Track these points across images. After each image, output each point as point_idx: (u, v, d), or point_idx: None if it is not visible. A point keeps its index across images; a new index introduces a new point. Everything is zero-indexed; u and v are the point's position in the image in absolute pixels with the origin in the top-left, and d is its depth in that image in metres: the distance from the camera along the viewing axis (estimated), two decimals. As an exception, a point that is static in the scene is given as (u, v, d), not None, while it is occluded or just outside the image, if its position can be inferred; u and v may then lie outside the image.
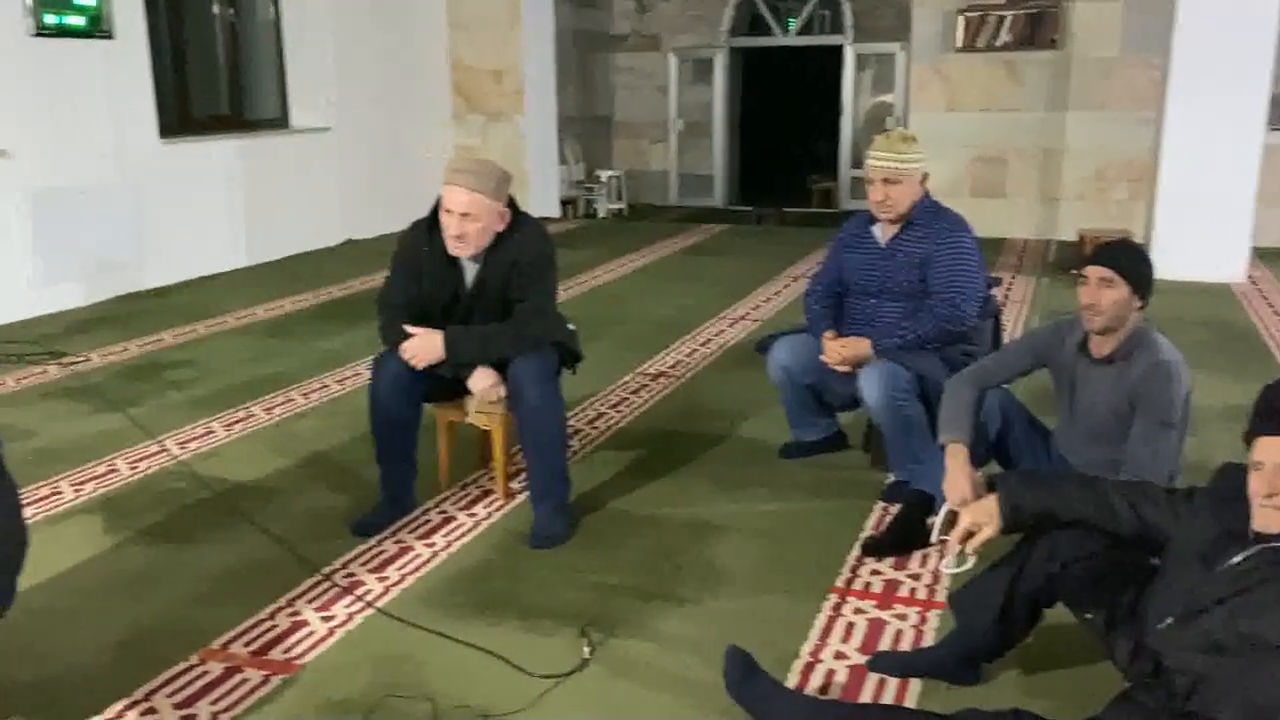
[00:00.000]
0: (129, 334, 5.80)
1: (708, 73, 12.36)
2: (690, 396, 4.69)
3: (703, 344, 5.59)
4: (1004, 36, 9.04)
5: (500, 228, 3.16)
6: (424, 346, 3.17)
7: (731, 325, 6.03)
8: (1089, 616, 2.19)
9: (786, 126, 14.34)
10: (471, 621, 2.72)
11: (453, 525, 3.33)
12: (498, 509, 3.45)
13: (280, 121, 8.40)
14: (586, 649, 2.57)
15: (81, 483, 3.68)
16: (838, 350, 3.41)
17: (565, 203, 10.99)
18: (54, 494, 3.57)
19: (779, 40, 12.32)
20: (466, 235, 3.10)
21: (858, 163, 11.82)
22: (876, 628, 2.71)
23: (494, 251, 3.19)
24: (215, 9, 7.89)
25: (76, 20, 6.39)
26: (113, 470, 3.81)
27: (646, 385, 4.84)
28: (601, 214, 11.27)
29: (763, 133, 13.77)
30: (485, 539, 3.24)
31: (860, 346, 3.38)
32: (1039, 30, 8.95)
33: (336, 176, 8.67)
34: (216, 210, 7.55)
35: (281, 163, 8.13)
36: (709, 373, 5.07)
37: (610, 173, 11.61)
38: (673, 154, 12.61)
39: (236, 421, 4.35)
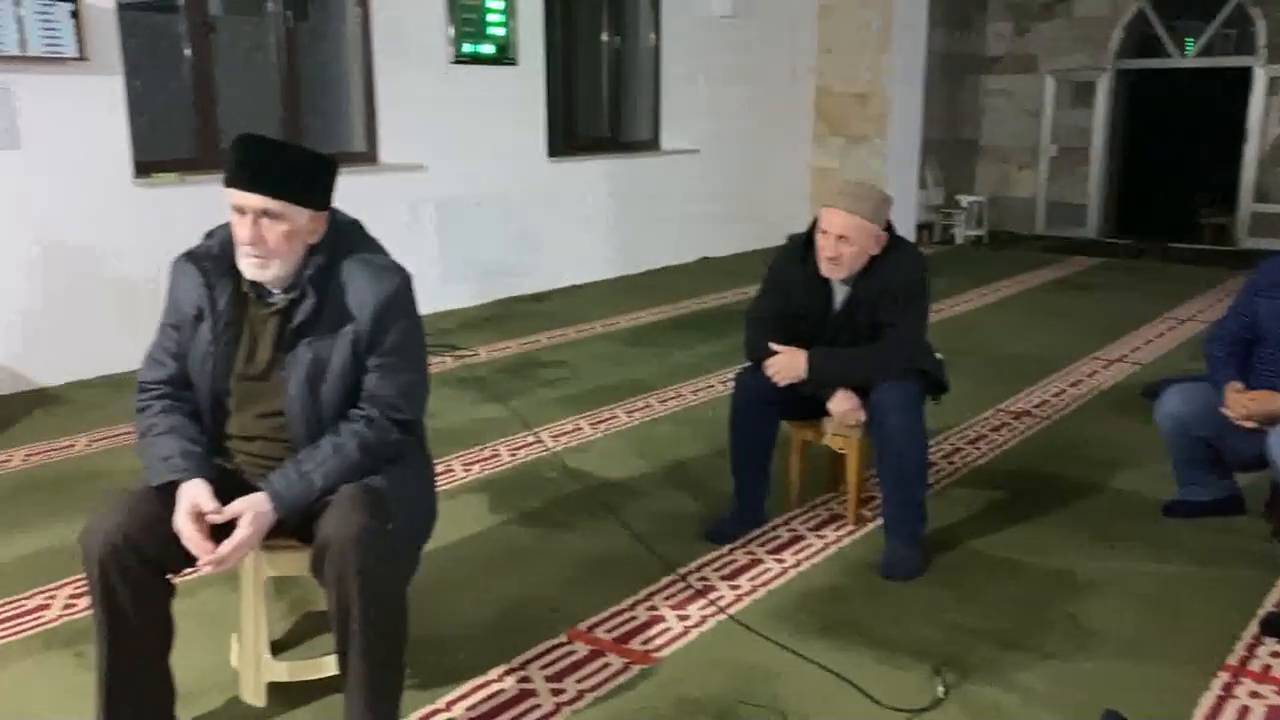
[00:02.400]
0: (510, 333, 6.36)
1: (1088, 96, 11.56)
2: (1058, 439, 4.40)
3: (1072, 384, 5.23)
4: None
5: (875, 251, 3.14)
6: (787, 364, 3.21)
7: (1106, 367, 5.59)
8: None
9: (1175, 155, 13.08)
10: (821, 642, 2.72)
11: (802, 544, 3.34)
12: (847, 534, 3.42)
13: (652, 144, 8.87)
14: (941, 688, 2.49)
15: (470, 464, 4.08)
16: (1244, 404, 3.06)
17: (921, 227, 10.72)
18: (447, 472, 3.97)
19: (1174, 62, 11.29)
20: (841, 257, 3.11)
21: (1261, 196, 10.58)
22: (1277, 717, 2.40)
23: (867, 275, 3.17)
24: (604, 36, 8.48)
25: (488, 49, 7.12)
26: (495, 455, 4.19)
27: (1008, 423, 4.60)
28: (959, 240, 10.88)
29: (1147, 161, 12.66)
30: (835, 562, 3.22)
31: (1273, 402, 3.01)
32: None
33: (698, 197, 9.01)
34: (590, 225, 8.10)
35: (650, 183, 8.57)
36: (1080, 415, 4.74)
37: (972, 198, 11.19)
38: (1042, 180, 11.92)
39: (601, 421, 4.64)
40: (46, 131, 4.98)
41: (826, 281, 3.22)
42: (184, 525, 2.07)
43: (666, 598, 2.97)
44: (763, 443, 3.37)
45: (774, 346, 3.24)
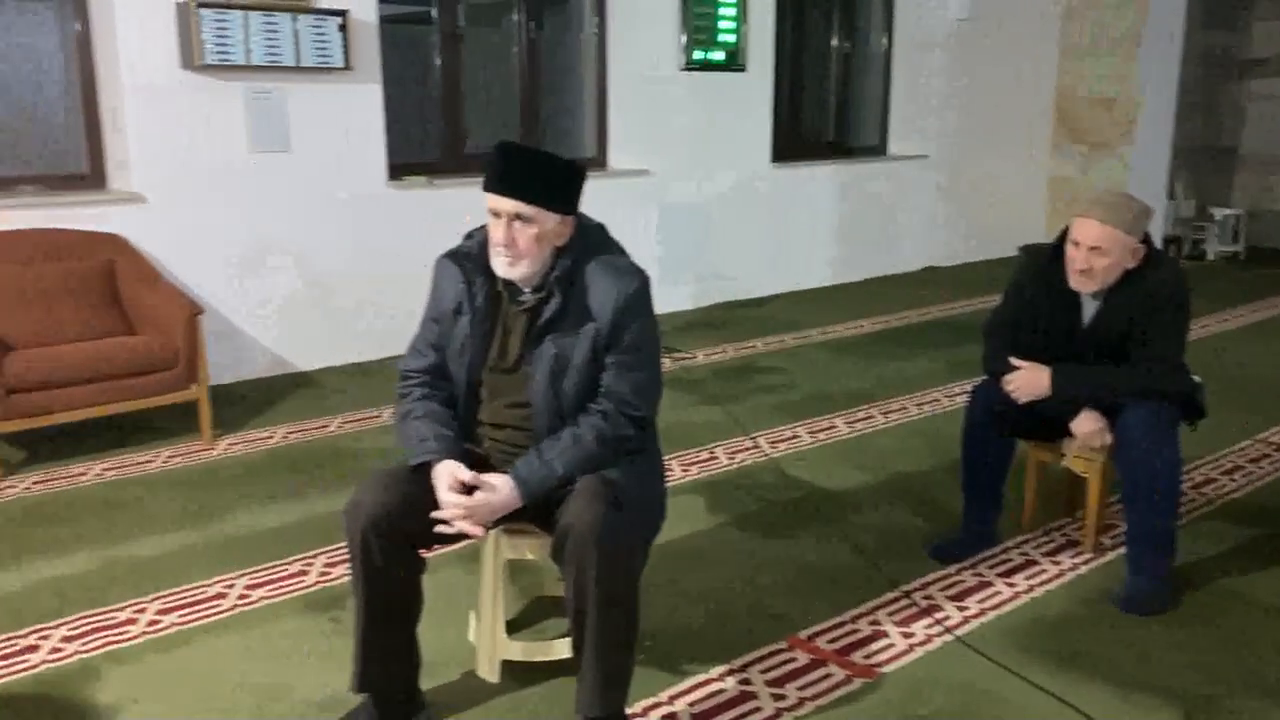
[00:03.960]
0: (727, 338, 6.39)
1: (1372, 99, 10.45)
2: (1328, 476, 4.02)
3: (1346, 417, 4.76)
4: None
5: (1131, 265, 2.96)
6: (1029, 381, 3.07)
7: (1387, 399, 5.05)
8: None
9: None
10: (1055, 673, 2.59)
11: (1035, 569, 3.19)
12: (1084, 562, 3.24)
13: (879, 149, 8.69)
14: (1191, 735, 2.32)
15: (688, 465, 4.13)
16: None
17: (1169, 241, 9.99)
18: (666, 470, 4.03)
19: None
20: (1093, 270, 2.95)
21: None
22: None
23: (1120, 290, 2.99)
24: (834, 41, 8.38)
25: (718, 55, 7.18)
26: (713, 458, 4.22)
27: (1269, 455, 4.23)
28: (1210, 256, 10.07)
29: None
30: (1071, 591, 3.06)
31: None
32: None
33: (925, 204, 8.76)
34: (811, 231, 8.02)
35: (875, 189, 8.40)
36: (1354, 452, 4.31)
37: (1227, 211, 10.33)
38: (1311, 193, 10.86)
39: (820, 430, 4.59)
40: (313, 136, 5.41)
41: (1074, 295, 3.06)
42: (448, 496, 2.21)
43: (890, 614, 2.91)
44: (998, 462, 3.24)
45: (1014, 362, 3.10)
